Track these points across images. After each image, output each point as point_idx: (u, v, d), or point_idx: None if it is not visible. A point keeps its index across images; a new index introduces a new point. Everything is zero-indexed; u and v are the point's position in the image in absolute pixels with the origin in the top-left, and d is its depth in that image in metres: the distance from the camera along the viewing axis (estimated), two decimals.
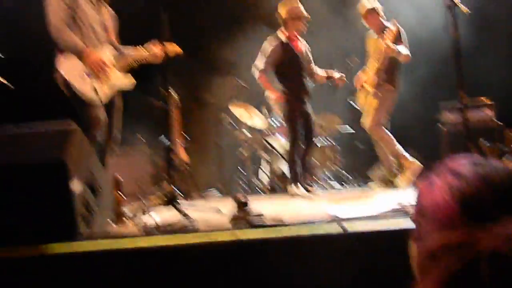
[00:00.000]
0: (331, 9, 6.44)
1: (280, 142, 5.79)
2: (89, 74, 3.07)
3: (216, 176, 5.86)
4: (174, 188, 5.13)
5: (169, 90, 5.64)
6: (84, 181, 2.03)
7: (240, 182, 5.81)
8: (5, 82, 4.26)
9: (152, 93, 6.13)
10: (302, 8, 4.82)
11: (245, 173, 5.78)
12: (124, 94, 3.62)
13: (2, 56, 4.14)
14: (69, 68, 3.07)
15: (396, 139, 5.87)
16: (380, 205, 2.74)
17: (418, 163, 4.42)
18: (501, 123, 5.29)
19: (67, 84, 3.04)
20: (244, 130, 5.85)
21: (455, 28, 3.14)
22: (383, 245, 1.86)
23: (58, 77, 3.07)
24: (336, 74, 4.90)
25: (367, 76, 4.58)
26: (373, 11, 4.50)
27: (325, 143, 6.03)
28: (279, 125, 5.92)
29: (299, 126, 4.85)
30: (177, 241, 1.91)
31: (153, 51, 3.38)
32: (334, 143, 6.03)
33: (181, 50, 3.56)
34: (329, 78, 5.02)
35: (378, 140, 4.57)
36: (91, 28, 3.24)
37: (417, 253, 0.68)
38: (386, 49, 4.27)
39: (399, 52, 4.26)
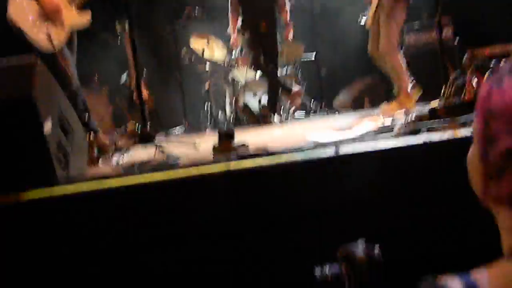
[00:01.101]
0: None
1: (244, 73, 5.64)
2: (43, 19, 2.78)
3: (180, 113, 5.70)
4: (138, 126, 4.98)
5: (124, 24, 5.33)
6: (54, 120, 1.86)
7: (206, 118, 5.70)
8: None
9: (105, 28, 5.77)
10: None
11: (209, 108, 5.65)
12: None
13: None
14: (20, 13, 2.75)
15: None
16: (359, 129, 2.74)
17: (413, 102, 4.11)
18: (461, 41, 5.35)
19: (20, 31, 2.73)
20: (206, 64, 5.64)
21: None
22: (373, 165, 1.86)
23: (11, 22, 2.74)
24: (291, 33, 4.96)
25: None
26: None
27: (287, 71, 5.94)
28: (242, 55, 5.76)
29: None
30: (163, 176, 1.81)
31: None
32: (295, 70, 5.95)
33: None
34: (285, 24, 4.98)
35: (390, 66, 4.10)
36: None
37: (486, 157, 0.63)
38: None
39: None
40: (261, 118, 5.05)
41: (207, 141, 3.49)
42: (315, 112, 5.59)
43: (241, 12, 4.83)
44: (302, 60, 6.02)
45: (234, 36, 4.90)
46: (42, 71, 1.85)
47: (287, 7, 4.97)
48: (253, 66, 5.63)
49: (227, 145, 2.18)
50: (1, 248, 1.59)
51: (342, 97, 5.85)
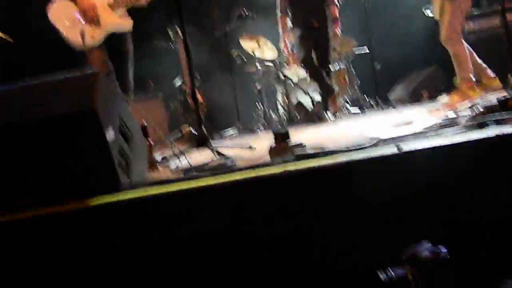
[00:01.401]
0: None
1: (296, 71, 5.59)
2: (80, 18, 2.98)
3: (233, 114, 5.75)
4: (194, 130, 5.08)
5: (176, 29, 5.46)
6: (115, 128, 1.92)
7: (258, 118, 5.70)
8: (4, 36, 4.10)
9: (157, 33, 5.93)
10: None
11: (261, 108, 5.65)
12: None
13: None
14: (56, 12, 2.99)
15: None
16: (421, 123, 2.62)
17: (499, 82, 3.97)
18: None
19: (57, 30, 2.98)
20: (257, 64, 5.64)
21: None
22: (439, 162, 1.76)
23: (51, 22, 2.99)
24: (338, 29, 4.94)
25: None
26: None
27: (339, 67, 5.82)
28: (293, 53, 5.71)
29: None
30: (221, 179, 1.81)
31: None
32: (349, 66, 5.82)
33: None
34: (334, 20, 4.92)
35: (453, 54, 4.02)
36: None
37: None
38: None
39: None
40: (315, 116, 4.98)
41: (263, 142, 3.50)
42: (370, 107, 5.44)
43: (290, 10, 4.81)
44: (355, 54, 5.89)
45: (284, 36, 4.87)
46: (103, 80, 1.92)
47: (336, 2, 4.89)
48: (304, 64, 5.58)
49: (283, 146, 2.16)
50: (71, 254, 1.66)
51: (398, 91, 5.65)
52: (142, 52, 5.93)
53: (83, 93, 1.81)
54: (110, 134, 1.82)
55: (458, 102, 3.86)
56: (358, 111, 5.45)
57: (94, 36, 2.99)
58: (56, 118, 1.80)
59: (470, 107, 2.45)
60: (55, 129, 1.80)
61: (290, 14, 4.84)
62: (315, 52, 4.92)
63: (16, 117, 1.84)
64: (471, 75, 4.03)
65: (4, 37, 4.12)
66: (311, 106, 5.15)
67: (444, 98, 4.11)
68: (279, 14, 4.90)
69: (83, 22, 2.98)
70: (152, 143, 2.83)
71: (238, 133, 5.31)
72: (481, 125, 1.90)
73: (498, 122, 1.90)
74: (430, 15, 4.32)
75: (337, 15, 4.90)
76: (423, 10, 4.42)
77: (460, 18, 3.98)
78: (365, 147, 1.83)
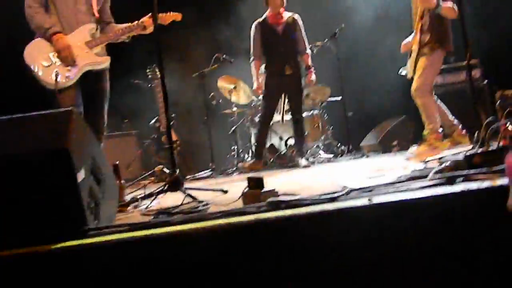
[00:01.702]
0: None
1: None
2: (55, 58, 2.95)
3: (207, 154, 5.74)
4: (166, 169, 5.02)
5: (154, 68, 5.50)
6: (87, 168, 1.88)
7: (232, 159, 5.71)
8: None
9: (135, 71, 5.96)
10: None
11: (235, 149, 5.68)
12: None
13: None
14: (32, 51, 2.95)
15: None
16: (391, 174, 2.68)
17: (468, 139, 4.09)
18: (490, 83, 5.29)
19: (29, 70, 2.92)
20: (232, 106, 5.73)
21: None
22: (409, 216, 1.79)
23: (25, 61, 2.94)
24: (312, 76, 5.03)
25: (413, 38, 4.24)
26: None
27: (313, 113, 5.95)
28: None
29: (273, 101, 4.94)
30: (192, 226, 1.79)
31: (142, 21, 3.19)
32: (322, 112, 5.96)
33: (179, 15, 3.37)
34: (307, 69, 5.07)
35: (420, 105, 4.16)
36: (68, 6, 3.04)
37: None
38: (421, 1, 3.92)
39: (437, 5, 3.85)
40: (288, 159, 5.03)
41: (236, 185, 3.49)
42: (342, 153, 5.54)
43: (264, 56, 4.93)
44: (328, 101, 6.05)
45: (257, 80, 4.97)
46: (77, 119, 1.90)
47: (308, 51, 5.05)
48: (278, 109, 5.68)
49: (256, 192, 2.16)
50: None
51: (369, 139, 5.81)
52: (119, 89, 5.94)
53: (57, 131, 1.79)
54: (81, 175, 1.79)
55: (426, 153, 3.99)
56: (330, 156, 5.54)
57: (68, 76, 2.95)
58: (26, 154, 1.76)
59: (438, 160, 2.53)
60: (23, 166, 1.75)
61: (264, 60, 4.96)
62: (288, 98, 5.03)
63: None
64: (439, 127, 4.20)
65: None
66: (284, 149, 5.22)
67: (413, 149, 4.24)
68: (251, 58, 5.00)
69: (58, 63, 2.95)
70: (123, 182, 2.78)
71: (211, 174, 5.29)
72: (449, 181, 1.95)
73: (465, 178, 1.96)
74: (403, 73, 4.54)
75: (309, 63, 5.05)
76: (398, 72, 4.65)
77: (432, 73, 4.18)
78: (337, 197, 1.85)
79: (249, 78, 5.45)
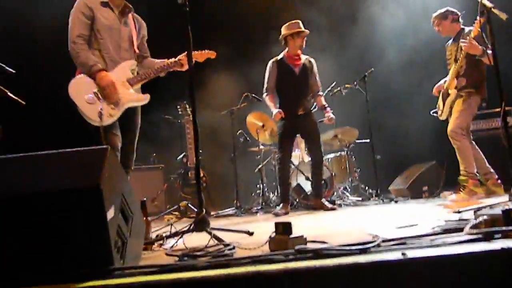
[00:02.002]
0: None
1: (297, 155, 5.66)
2: (99, 95, 3.00)
3: (232, 192, 5.72)
4: (190, 205, 5.01)
5: (185, 104, 5.60)
6: (117, 206, 1.89)
7: (257, 198, 5.67)
8: (16, 98, 4.19)
9: (164, 107, 6.08)
10: (300, 24, 4.84)
11: (261, 188, 5.63)
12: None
13: (14, 71, 4.08)
14: (76, 88, 2.99)
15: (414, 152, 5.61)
16: (425, 223, 2.59)
17: (482, 190, 4.13)
18: None
19: (74, 105, 2.97)
20: (259, 144, 5.73)
21: (491, 36, 3.01)
22: (443, 273, 1.71)
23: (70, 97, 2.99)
24: (330, 115, 4.97)
25: (448, 81, 4.35)
26: (437, 17, 4.39)
27: (341, 154, 5.91)
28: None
29: (289, 141, 4.85)
30: (220, 272, 1.75)
31: (180, 59, 3.27)
32: (350, 154, 5.90)
33: (214, 54, 3.44)
34: (323, 109, 5.03)
35: (457, 148, 4.22)
36: (112, 42, 3.13)
37: None
38: (467, 47, 4.00)
39: (483, 51, 3.95)
40: (314, 201, 4.95)
41: (261, 226, 3.44)
42: (370, 197, 5.43)
43: (277, 95, 4.94)
44: (356, 143, 6.00)
45: (275, 107, 4.86)
46: (111, 157, 1.92)
47: (321, 93, 5.02)
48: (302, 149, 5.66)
49: (284, 238, 2.11)
50: None
51: (398, 183, 5.69)
52: (149, 123, 6.05)
53: (90, 169, 1.80)
54: (110, 213, 1.79)
55: (465, 200, 3.93)
56: (358, 199, 5.44)
57: (112, 114, 3.02)
58: (58, 191, 1.78)
59: (474, 212, 2.43)
60: (54, 203, 1.77)
61: (277, 98, 4.96)
62: (304, 138, 4.97)
63: (14, 188, 1.81)
64: (474, 171, 4.13)
65: (16, 99, 4.23)
66: (311, 190, 5.15)
67: (452, 196, 4.20)
68: (265, 93, 4.99)
69: (102, 100, 3.00)
70: (149, 219, 2.78)
71: (235, 212, 5.24)
72: (487, 237, 1.86)
73: (503, 235, 1.87)
74: (435, 115, 4.54)
75: (324, 103, 5.02)
76: (431, 112, 4.64)
77: (468, 117, 4.20)
78: (368, 249, 1.78)
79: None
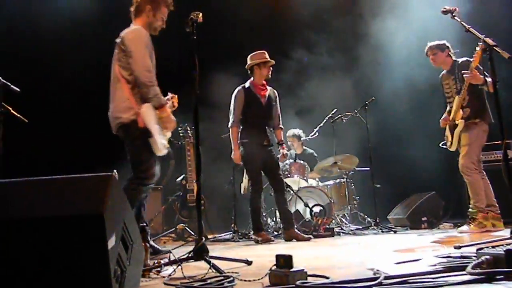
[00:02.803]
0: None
1: (296, 180, 5.65)
2: (160, 125, 3.19)
3: (230, 216, 5.68)
4: (188, 228, 4.96)
5: (187, 126, 5.61)
6: (118, 235, 1.87)
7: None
8: (19, 116, 4.21)
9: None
10: (266, 54, 4.84)
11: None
12: None
13: (18, 90, 4.11)
14: (149, 117, 3.09)
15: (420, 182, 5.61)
16: (425, 258, 2.57)
17: (490, 223, 4.17)
18: None
19: (144, 132, 3.05)
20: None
21: (492, 73, 3.05)
22: None
23: (139, 121, 3.08)
24: (285, 151, 4.96)
25: (454, 113, 4.40)
26: (432, 48, 4.48)
27: (340, 181, 5.90)
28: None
29: (258, 170, 4.69)
30: None
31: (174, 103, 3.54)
32: (349, 182, 5.90)
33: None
34: (280, 144, 5.02)
35: (468, 183, 4.28)
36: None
37: None
38: (470, 78, 4.10)
39: (485, 80, 4.06)
40: (312, 227, 4.91)
41: (259, 254, 3.40)
42: (369, 225, 5.40)
43: (242, 124, 4.87)
44: (356, 171, 6.01)
45: (237, 150, 4.79)
46: (115, 184, 1.91)
47: (282, 126, 5.01)
48: (302, 175, 5.64)
49: (285, 272, 2.09)
50: None
51: (397, 213, 5.67)
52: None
53: (94, 195, 1.79)
54: (111, 242, 1.77)
55: (476, 232, 4.08)
56: (358, 227, 5.40)
57: (165, 145, 3.26)
58: (60, 217, 1.76)
59: (477, 250, 2.41)
60: (54, 229, 1.75)
61: (242, 127, 4.89)
62: (267, 168, 4.79)
63: (13, 212, 1.80)
64: (485, 205, 4.18)
65: (19, 117, 4.24)
66: (309, 217, 5.12)
67: (463, 228, 4.25)
68: (231, 122, 4.87)
69: (161, 130, 3.20)
70: (148, 245, 2.75)
71: (233, 237, 5.20)
72: (489, 278, 1.85)
73: (505, 277, 1.86)
74: (444, 147, 4.59)
75: (282, 138, 5.01)
76: (440, 144, 4.69)
77: (478, 148, 4.27)
78: (371, 287, 1.77)
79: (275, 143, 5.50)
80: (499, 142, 5.17)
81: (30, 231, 1.75)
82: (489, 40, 3.06)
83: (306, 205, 5.17)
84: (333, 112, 5.85)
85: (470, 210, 4.28)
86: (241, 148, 4.78)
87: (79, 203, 1.80)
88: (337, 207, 5.68)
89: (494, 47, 3.02)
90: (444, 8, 3.54)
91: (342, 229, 5.23)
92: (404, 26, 5.95)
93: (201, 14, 2.95)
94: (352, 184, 5.95)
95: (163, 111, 3.15)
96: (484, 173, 4.39)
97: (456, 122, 4.37)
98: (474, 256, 2.36)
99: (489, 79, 4.09)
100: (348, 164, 5.92)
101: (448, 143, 4.52)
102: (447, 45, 4.55)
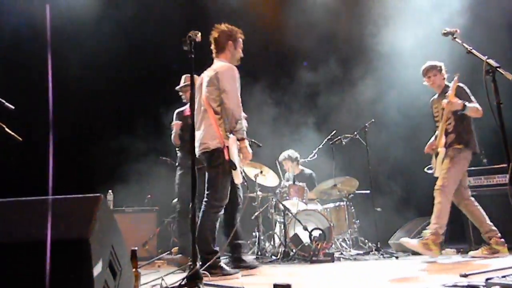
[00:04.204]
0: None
1: (295, 203, 5.54)
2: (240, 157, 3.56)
3: (227, 239, 5.50)
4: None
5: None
6: (105, 261, 1.76)
7: (252, 246, 5.48)
8: (13, 134, 4.11)
9: (162, 148, 6.00)
10: (183, 79, 4.76)
11: (257, 236, 5.45)
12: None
13: (13, 107, 4.02)
14: (234, 149, 3.44)
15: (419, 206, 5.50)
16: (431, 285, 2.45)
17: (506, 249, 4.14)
18: None
19: (228, 162, 3.42)
20: (258, 191, 5.60)
21: (496, 95, 2.98)
22: None
23: (225, 153, 3.44)
24: None
25: (438, 139, 4.37)
26: (434, 68, 4.45)
27: (340, 204, 5.78)
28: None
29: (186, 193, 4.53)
30: None
31: None
32: (349, 205, 5.77)
33: None
34: None
35: (436, 204, 4.20)
36: None
37: None
38: (447, 105, 4.13)
39: (464, 106, 4.09)
40: (311, 251, 4.75)
41: (256, 281, 3.26)
42: (369, 252, 5.25)
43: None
44: (356, 194, 5.89)
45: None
46: (103, 206, 1.81)
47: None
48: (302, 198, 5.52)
49: None
50: None
51: (398, 238, 5.52)
52: (146, 164, 5.96)
53: (80, 218, 1.69)
54: (97, 268, 1.66)
55: (486, 256, 4.10)
56: (358, 252, 5.26)
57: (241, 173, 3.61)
58: (39, 243, 1.65)
59: (486, 280, 2.29)
60: (35, 255, 1.64)
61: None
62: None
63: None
64: (442, 231, 4.18)
65: (13, 135, 4.15)
66: (308, 241, 4.98)
67: (473, 252, 4.28)
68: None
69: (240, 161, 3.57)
70: (139, 272, 2.62)
71: (228, 263, 5.02)
72: None
73: None
74: (430, 171, 4.55)
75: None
76: (425, 169, 4.63)
77: (457, 173, 4.19)
78: None
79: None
80: (500, 165, 5.14)
81: (10, 256, 1.64)
82: (491, 62, 2.99)
83: (305, 228, 5.04)
84: (332, 133, 5.78)
85: (425, 231, 4.25)
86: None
87: (63, 226, 1.69)
88: (337, 231, 5.54)
89: (497, 69, 2.96)
90: (445, 30, 3.50)
91: (342, 254, 5.08)
92: (406, 48, 5.94)
93: (199, 33, 2.90)
94: (352, 208, 5.82)
95: (244, 143, 3.50)
96: (474, 199, 4.33)
97: (439, 149, 4.33)
98: (483, 286, 2.24)
99: (470, 105, 4.11)
100: (348, 187, 5.81)
101: (433, 169, 4.46)
102: (443, 67, 4.53)
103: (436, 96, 4.60)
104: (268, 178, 5.64)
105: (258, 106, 6.20)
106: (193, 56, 2.78)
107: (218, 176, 3.49)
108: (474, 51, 3.23)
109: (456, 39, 3.40)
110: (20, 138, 4.18)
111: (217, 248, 3.50)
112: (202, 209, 3.50)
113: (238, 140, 3.46)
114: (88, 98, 6.60)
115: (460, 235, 5.23)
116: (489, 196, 5.25)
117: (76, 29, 6.28)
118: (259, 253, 5.14)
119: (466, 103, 4.14)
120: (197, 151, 3.58)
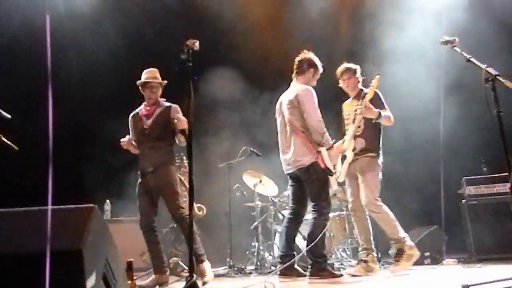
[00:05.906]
0: None
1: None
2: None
3: (225, 249, 5.46)
4: (181, 262, 4.74)
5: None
6: (99, 272, 1.72)
7: (251, 257, 5.42)
8: (10, 143, 4.08)
9: None
10: (145, 74, 4.26)
11: (256, 246, 5.39)
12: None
13: (10, 116, 3.99)
14: (327, 159, 3.84)
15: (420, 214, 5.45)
16: None
17: (417, 251, 4.10)
18: None
19: (324, 171, 3.81)
20: (257, 201, 5.55)
21: (496, 103, 2.96)
22: None
23: (320, 163, 3.82)
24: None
25: (347, 142, 4.22)
26: (349, 70, 4.36)
27: (339, 214, 5.73)
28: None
29: (144, 199, 4.14)
30: None
31: None
32: (349, 214, 5.72)
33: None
34: None
35: (378, 219, 4.16)
36: None
37: None
38: (362, 111, 4.08)
39: (379, 115, 4.07)
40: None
41: None
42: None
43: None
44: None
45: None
46: (97, 217, 1.77)
47: None
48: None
49: None
50: None
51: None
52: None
53: (74, 229, 1.66)
54: (91, 281, 1.62)
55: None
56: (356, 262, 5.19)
57: None
58: (30, 254, 1.62)
59: None
60: (26, 266, 1.60)
61: None
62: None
63: None
64: (402, 234, 4.18)
65: (10, 144, 4.12)
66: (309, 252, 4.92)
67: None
68: None
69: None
70: (135, 283, 2.58)
71: (227, 272, 4.97)
72: None
73: None
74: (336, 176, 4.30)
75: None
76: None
77: (377, 183, 4.19)
78: None
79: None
80: (500, 174, 5.11)
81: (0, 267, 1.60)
82: (491, 70, 2.97)
83: (304, 238, 4.98)
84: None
85: (390, 251, 4.22)
86: None
87: (57, 237, 1.66)
88: (337, 241, 5.48)
89: (497, 77, 2.93)
90: (444, 39, 3.48)
91: (342, 264, 5.02)
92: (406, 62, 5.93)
93: (197, 42, 2.88)
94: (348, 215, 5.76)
95: (332, 150, 3.86)
96: (368, 213, 4.27)
97: (347, 152, 4.20)
98: None
99: (384, 113, 4.08)
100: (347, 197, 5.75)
101: (337, 174, 4.24)
102: (359, 71, 4.39)
103: (349, 100, 4.46)
104: (268, 188, 5.59)
105: (260, 114, 6.18)
106: (190, 64, 2.76)
107: (319, 187, 3.86)
108: (473, 60, 3.21)
109: (455, 48, 3.38)
110: (16, 148, 4.15)
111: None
112: (313, 217, 3.92)
113: (327, 149, 3.84)
114: (87, 107, 6.60)
115: (460, 244, 5.18)
116: (489, 205, 5.21)
117: (75, 34, 6.29)
118: (258, 263, 5.08)
119: (381, 112, 4.09)
120: (290, 168, 3.99)
